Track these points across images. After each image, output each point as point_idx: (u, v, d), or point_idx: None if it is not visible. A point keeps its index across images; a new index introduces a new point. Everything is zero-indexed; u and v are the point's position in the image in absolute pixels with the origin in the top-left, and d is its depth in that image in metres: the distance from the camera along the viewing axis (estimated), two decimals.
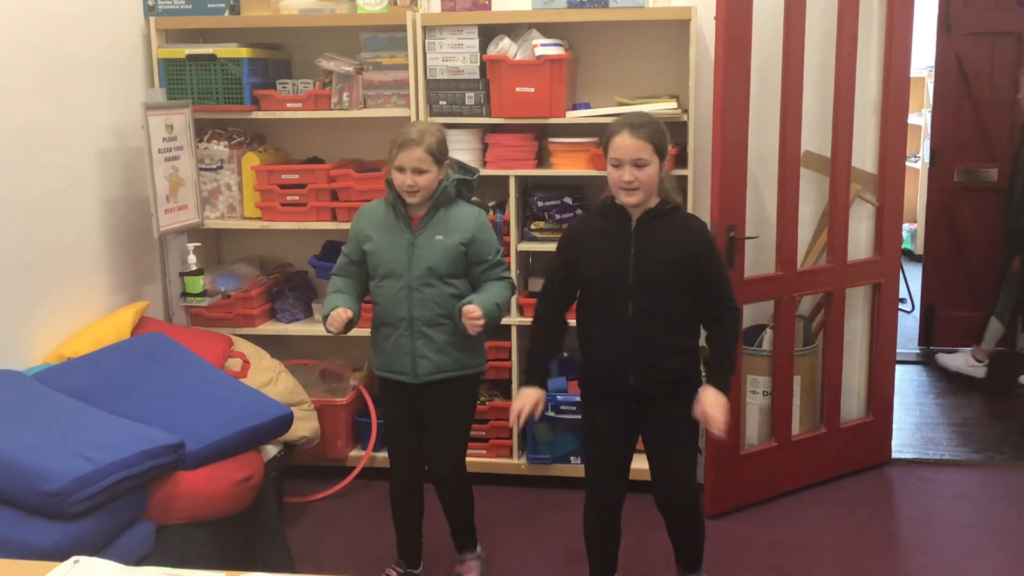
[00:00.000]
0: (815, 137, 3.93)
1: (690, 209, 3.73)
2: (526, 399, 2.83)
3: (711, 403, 2.71)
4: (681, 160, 3.76)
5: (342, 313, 2.95)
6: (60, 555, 2.14)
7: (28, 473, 2.34)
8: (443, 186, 2.96)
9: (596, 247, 2.75)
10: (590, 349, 2.82)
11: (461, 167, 3.10)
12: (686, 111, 3.72)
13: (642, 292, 2.68)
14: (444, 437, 3.12)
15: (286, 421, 3.19)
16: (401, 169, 2.91)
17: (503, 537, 3.60)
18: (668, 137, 2.70)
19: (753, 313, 4.01)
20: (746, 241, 3.66)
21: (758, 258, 3.89)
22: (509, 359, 3.92)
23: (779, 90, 3.69)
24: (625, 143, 2.63)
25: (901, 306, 6.09)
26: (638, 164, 2.62)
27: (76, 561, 1.76)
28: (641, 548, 3.48)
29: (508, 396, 3.99)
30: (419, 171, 2.90)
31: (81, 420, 2.67)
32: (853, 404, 4.22)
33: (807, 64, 3.72)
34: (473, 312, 2.87)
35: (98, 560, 1.77)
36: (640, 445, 2.89)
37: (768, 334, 3.97)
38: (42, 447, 2.43)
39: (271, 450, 3.31)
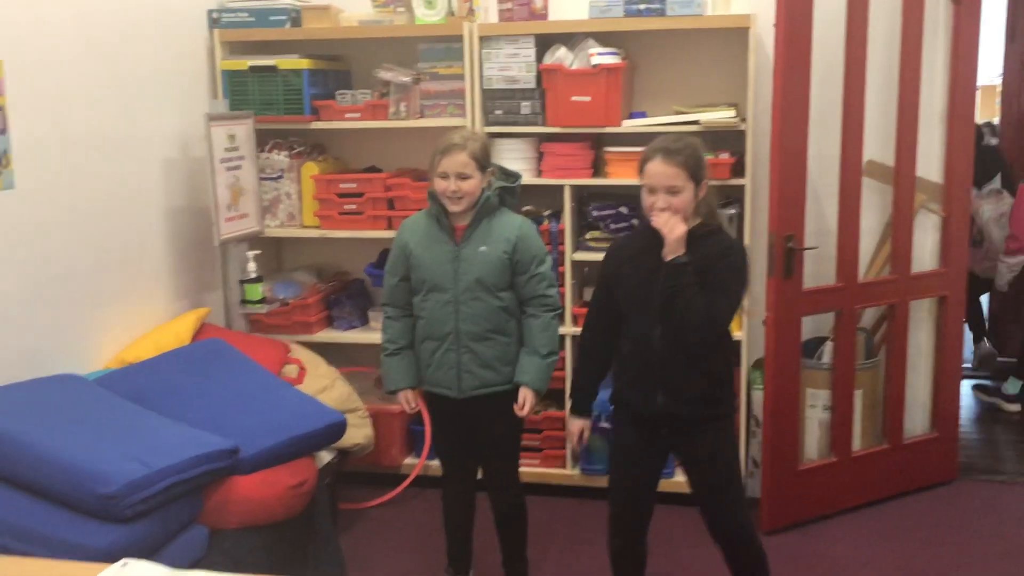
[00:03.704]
0: (879, 146, 3.85)
1: (747, 219, 3.69)
2: (572, 429, 2.95)
3: None
4: (739, 169, 3.71)
5: (412, 402, 3.12)
6: (113, 557, 2.18)
7: (84, 476, 2.39)
8: (486, 196, 2.92)
9: (630, 267, 2.73)
10: (621, 369, 2.80)
11: (503, 173, 3.06)
12: (745, 119, 3.67)
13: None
14: (497, 451, 3.12)
15: (339, 428, 3.21)
16: (444, 175, 2.87)
17: (554, 546, 3.58)
18: (704, 161, 2.65)
19: (813, 325, 3.94)
20: (806, 252, 3.60)
21: (819, 269, 3.82)
22: (563, 369, 3.90)
23: (841, 98, 3.62)
24: (658, 170, 2.59)
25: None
26: (671, 191, 2.59)
27: (124, 564, 1.79)
28: (678, 565, 3.44)
29: (562, 406, 3.97)
30: (463, 176, 2.86)
31: (138, 424, 2.72)
32: (917, 419, 4.12)
33: (870, 71, 3.65)
34: (521, 411, 2.99)
35: (146, 563, 1.81)
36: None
37: (828, 347, 3.89)
38: (98, 450, 2.48)
39: (325, 456, 3.33)
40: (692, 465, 2.78)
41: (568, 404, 2.97)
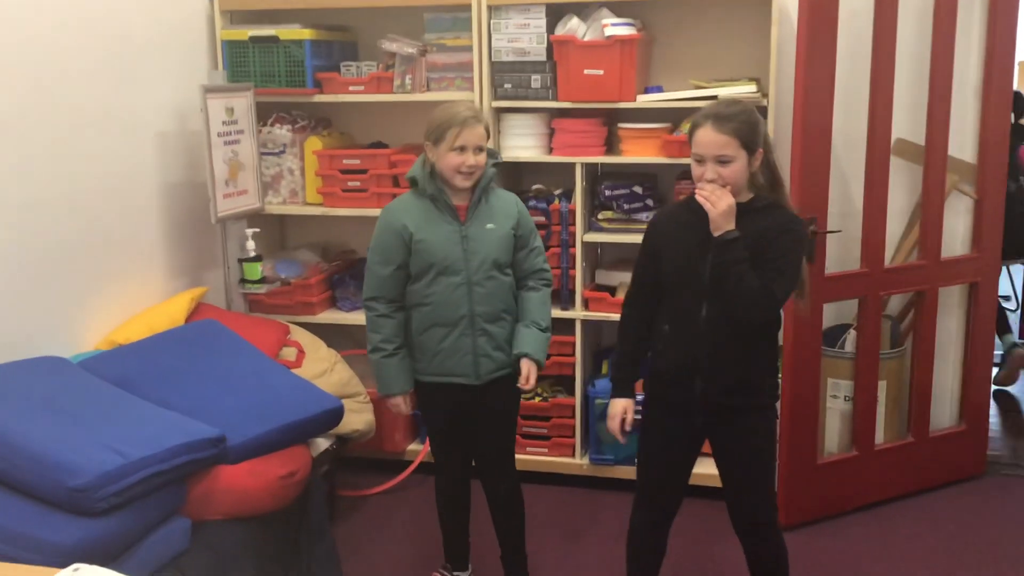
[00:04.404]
0: (909, 124, 3.66)
1: None
2: (614, 411, 2.69)
3: None
4: None
5: (409, 407, 2.98)
6: (82, 554, 2.08)
7: (53, 467, 2.26)
8: (488, 174, 2.82)
9: (676, 241, 2.54)
10: (659, 347, 2.61)
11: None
12: (766, 95, 3.49)
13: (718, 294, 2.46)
14: (498, 435, 3.00)
15: (336, 415, 3.09)
16: (463, 149, 2.73)
17: (558, 538, 3.45)
18: (761, 127, 2.45)
19: (836, 312, 3.76)
20: (829, 235, 3.42)
21: (843, 254, 3.64)
22: (573, 354, 3.75)
23: (869, 72, 3.43)
24: (707, 138, 2.39)
25: (1006, 304, 5.72)
26: (722, 161, 2.39)
27: (76, 569, 1.67)
28: (702, 559, 3.29)
29: (571, 392, 3.82)
30: (481, 150, 2.77)
31: (120, 410, 2.60)
32: (945, 411, 3.94)
33: (900, 44, 3.45)
34: (526, 385, 2.86)
35: (99, 569, 1.68)
36: (706, 447, 2.67)
37: (851, 335, 3.71)
38: (71, 439, 2.35)
39: (322, 443, 3.21)
40: (726, 454, 2.62)
41: (611, 385, 2.76)
